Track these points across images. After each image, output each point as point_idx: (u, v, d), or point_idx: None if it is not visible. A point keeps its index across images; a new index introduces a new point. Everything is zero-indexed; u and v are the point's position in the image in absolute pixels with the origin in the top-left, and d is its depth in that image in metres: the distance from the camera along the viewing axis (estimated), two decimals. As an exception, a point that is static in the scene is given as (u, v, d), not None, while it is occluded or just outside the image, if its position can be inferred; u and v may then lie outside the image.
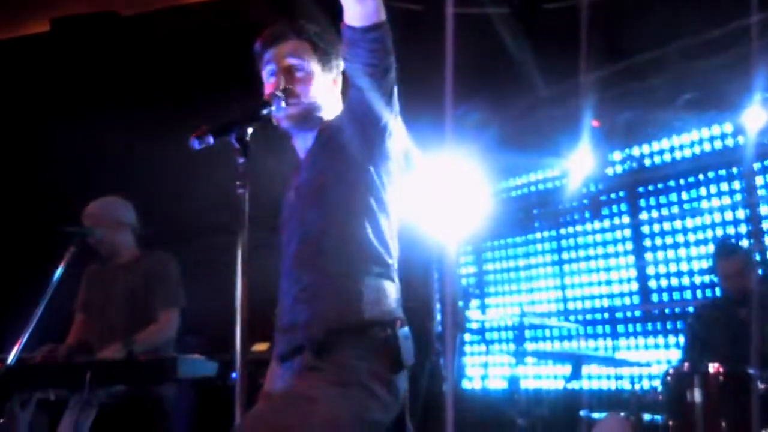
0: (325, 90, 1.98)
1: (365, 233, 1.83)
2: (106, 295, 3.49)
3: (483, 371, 6.47)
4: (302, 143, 2.00)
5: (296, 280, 1.85)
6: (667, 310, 5.40)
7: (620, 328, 5.63)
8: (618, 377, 5.45)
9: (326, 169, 1.87)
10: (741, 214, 5.12)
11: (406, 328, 1.82)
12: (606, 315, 5.75)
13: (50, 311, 2.85)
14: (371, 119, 1.84)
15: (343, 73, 1.99)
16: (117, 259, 3.56)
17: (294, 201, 1.94)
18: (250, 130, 1.69)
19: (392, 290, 1.85)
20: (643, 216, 5.63)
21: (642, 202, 5.65)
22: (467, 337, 6.54)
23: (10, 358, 2.70)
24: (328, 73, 1.99)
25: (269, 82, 1.95)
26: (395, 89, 1.86)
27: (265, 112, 1.77)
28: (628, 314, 5.62)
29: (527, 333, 4.32)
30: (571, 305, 6.02)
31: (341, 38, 1.82)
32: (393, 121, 1.89)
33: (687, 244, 5.35)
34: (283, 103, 1.83)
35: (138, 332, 3.30)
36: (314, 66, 1.96)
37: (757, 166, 5.03)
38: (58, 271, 2.93)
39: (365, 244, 1.83)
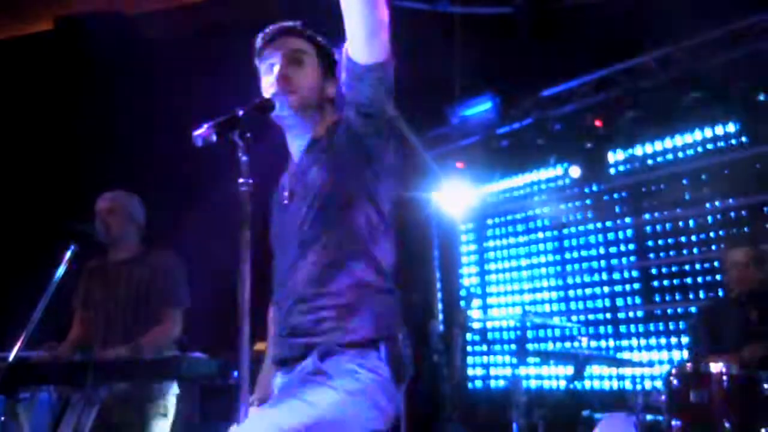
0: (323, 93, 1.95)
1: (366, 246, 1.82)
2: (108, 291, 3.47)
3: (485, 371, 6.47)
4: (297, 145, 1.96)
5: (295, 290, 1.82)
6: (669, 310, 5.38)
7: (622, 328, 5.62)
8: (620, 377, 5.44)
9: (324, 180, 1.84)
10: (743, 214, 5.11)
11: (407, 341, 1.82)
12: (608, 315, 5.75)
13: (52, 308, 2.84)
14: (370, 136, 1.82)
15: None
16: (119, 254, 3.54)
17: (289, 208, 1.90)
18: (253, 127, 1.67)
19: (393, 302, 1.85)
20: (646, 216, 5.62)
21: (645, 203, 5.64)
22: (469, 336, 6.54)
23: (12, 356, 2.69)
24: (327, 79, 1.96)
25: (267, 76, 1.91)
26: (392, 109, 1.84)
27: (267, 109, 1.76)
28: (631, 314, 5.61)
29: (529, 333, 4.31)
30: (573, 305, 6.02)
31: (343, 62, 1.78)
32: (392, 133, 1.87)
33: (690, 245, 5.33)
34: (282, 95, 1.82)
35: (139, 328, 3.29)
36: (316, 65, 1.93)
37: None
38: (61, 268, 2.92)
39: (366, 258, 1.81)
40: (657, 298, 5.46)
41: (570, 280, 6.07)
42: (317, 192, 1.83)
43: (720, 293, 4.97)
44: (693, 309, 5.03)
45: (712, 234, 5.22)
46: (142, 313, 3.38)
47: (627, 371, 5.31)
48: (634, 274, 5.65)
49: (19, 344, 2.70)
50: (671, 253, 5.41)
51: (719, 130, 5.23)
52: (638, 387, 3.61)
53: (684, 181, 5.41)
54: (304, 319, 1.79)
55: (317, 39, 1.97)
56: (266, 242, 2.00)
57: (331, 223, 1.81)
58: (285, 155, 2.04)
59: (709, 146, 5.29)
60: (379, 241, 1.84)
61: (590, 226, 5.97)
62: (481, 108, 5.90)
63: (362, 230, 1.81)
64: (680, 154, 5.46)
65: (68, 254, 2.97)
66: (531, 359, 4.80)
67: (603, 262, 5.84)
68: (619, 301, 5.69)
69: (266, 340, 2.09)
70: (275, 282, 1.96)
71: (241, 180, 1.61)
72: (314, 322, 1.77)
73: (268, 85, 1.89)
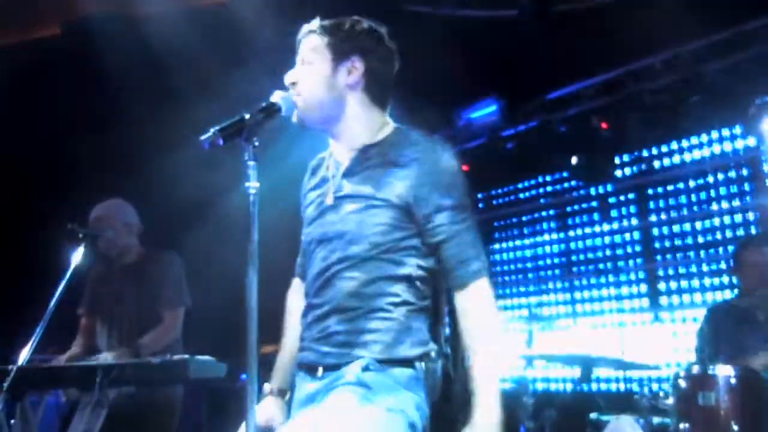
0: (334, 82, 1.85)
1: (410, 264, 1.80)
2: (113, 296, 3.51)
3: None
4: (344, 149, 1.91)
5: (333, 300, 1.79)
6: (676, 312, 5.37)
7: (630, 330, 5.60)
8: (628, 380, 5.42)
9: (376, 191, 1.79)
10: (750, 216, 5.10)
11: (439, 359, 1.83)
12: (615, 317, 5.73)
13: (60, 312, 2.85)
14: None
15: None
16: (123, 260, 3.58)
17: (332, 210, 1.85)
18: (260, 132, 1.67)
19: (428, 319, 1.84)
20: (652, 218, 5.61)
21: (651, 205, 5.63)
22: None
23: (21, 359, 2.71)
24: (341, 63, 1.85)
25: None
26: None
27: (273, 112, 1.76)
28: (638, 316, 5.59)
29: (536, 335, 4.30)
30: (579, 307, 6.01)
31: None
32: None
33: (696, 247, 5.32)
34: (293, 97, 1.81)
35: (145, 332, 3.32)
36: (323, 59, 1.85)
37: (767, 167, 5.01)
38: (69, 272, 2.94)
39: (409, 277, 1.79)
40: (664, 300, 5.45)
41: (576, 283, 6.06)
42: (368, 202, 1.79)
43: (727, 295, 4.95)
44: (700, 311, 5.01)
45: (719, 236, 5.20)
46: (146, 315, 3.41)
47: (634, 373, 5.29)
48: (641, 275, 5.64)
49: (29, 347, 2.71)
50: (678, 255, 5.40)
51: (725, 131, 5.23)
52: (646, 389, 3.59)
53: (691, 183, 5.40)
54: (341, 328, 1.76)
55: (327, 26, 1.88)
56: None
57: (377, 235, 1.77)
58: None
59: (715, 148, 5.28)
60: (424, 258, 1.82)
61: (596, 228, 5.96)
62: (486, 111, 5.91)
63: (407, 248, 1.79)
64: (686, 156, 5.45)
65: (77, 256, 2.99)
66: (538, 361, 4.78)
67: (609, 264, 5.83)
68: (626, 303, 5.68)
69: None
70: (307, 280, 1.90)
71: (248, 184, 1.61)
72: (353, 335, 1.75)
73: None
